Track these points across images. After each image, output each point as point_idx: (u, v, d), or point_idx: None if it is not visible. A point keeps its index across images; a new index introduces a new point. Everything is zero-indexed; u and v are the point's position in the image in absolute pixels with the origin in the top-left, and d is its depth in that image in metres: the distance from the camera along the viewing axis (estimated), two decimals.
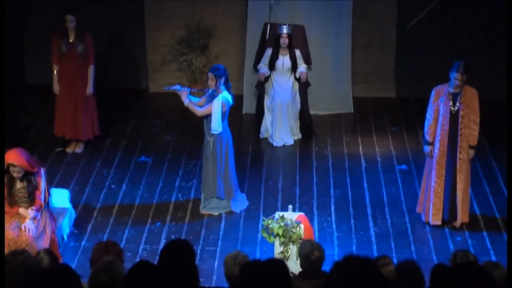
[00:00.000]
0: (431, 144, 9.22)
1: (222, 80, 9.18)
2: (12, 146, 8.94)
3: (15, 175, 8.01)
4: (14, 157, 7.97)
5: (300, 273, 6.18)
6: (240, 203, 9.81)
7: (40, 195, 8.12)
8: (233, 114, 12.33)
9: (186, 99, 9.17)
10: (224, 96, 9.20)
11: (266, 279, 4.37)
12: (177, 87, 9.29)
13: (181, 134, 11.64)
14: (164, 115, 12.40)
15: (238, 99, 12.58)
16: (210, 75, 9.20)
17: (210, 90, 9.34)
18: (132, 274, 4.68)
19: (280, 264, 4.55)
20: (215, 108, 9.18)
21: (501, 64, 12.39)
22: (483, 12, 12.48)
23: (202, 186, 9.73)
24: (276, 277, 4.41)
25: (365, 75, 12.99)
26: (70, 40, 10.75)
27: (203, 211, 9.65)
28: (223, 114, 9.23)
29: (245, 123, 12.23)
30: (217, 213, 9.63)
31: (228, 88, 9.28)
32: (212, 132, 9.29)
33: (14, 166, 7.96)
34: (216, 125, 9.23)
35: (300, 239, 7.95)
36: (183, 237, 8.99)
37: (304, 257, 6.13)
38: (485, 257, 8.45)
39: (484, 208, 9.81)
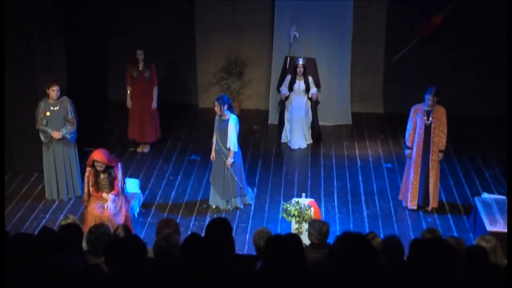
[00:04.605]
0: (410, 148, 9.19)
1: (225, 107, 8.84)
2: (98, 146, 9.04)
3: (98, 168, 8.06)
4: (98, 155, 8.01)
5: (310, 244, 6.20)
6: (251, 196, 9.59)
7: (118, 183, 8.16)
8: (261, 124, 12.43)
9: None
10: (234, 118, 8.92)
11: (285, 248, 4.39)
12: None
13: None
14: (209, 124, 12.28)
15: (264, 113, 12.67)
16: (216, 103, 8.89)
17: (216, 116, 9.04)
18: (186, 243, 4.72)
19: (296, 238, 4.56)
20: (232, 131, 8.88)
21: (466, 88, 12.39)
22: (453, 48, 12.41)
23: (221, 192, 9.21)
24: (293, 247, 4.42)
25: (361, 96, 12.94)
26: (140, 68, 10.80)
27: (230, 207, 9.31)
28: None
29: (270, 131, 12.21)
30: (241, 206, 9.35)
31: (232, 113, 8.97)
32: (231, 149, 8.97)
33: (97, 162, 8.03)
34: (233, 145, 8.94)
35: (310, 219, 7.96)
36: (223, 216, 8.92)
37: (317, 231, 6.11)
38: (449, 233, 8.46)
39: (449, 197, 9.76)
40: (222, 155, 9.09)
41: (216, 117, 9.13)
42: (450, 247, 4.46)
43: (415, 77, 12.45)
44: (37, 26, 9.71)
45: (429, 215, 9.22)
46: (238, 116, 9.23)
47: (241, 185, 9.22)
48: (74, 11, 11.11)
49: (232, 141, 8.95)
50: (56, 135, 9.17)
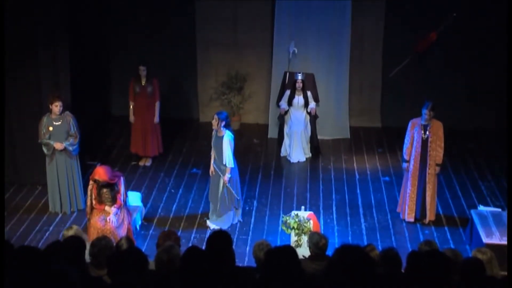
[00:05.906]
0: (408, 161, 9.19)
1: (223, 123, 8.75)
2: (101, 160, 9.03)
3: (99, 183, 8.06)
4: (99, 175, 7.94)
5: (309, 256, 6.17)
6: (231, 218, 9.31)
7: (120, 197, 8.15)
8: (261, 138, 12.44)
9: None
10: (229, 134, 8.81)
11: (283, 260, 4.37)
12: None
13: None
14: (210, 138, 12.36)
15: (264, 127, 12.68)
16: (215, 117, 8.80)
17: (212, 132, 8.97)
18: (186, 255, 4.71)
19: (291, 250, 4.54)
20: (226, 147, 8.77)
21: (462, 102, 12.39)
22: (449, 63, 12.44)
23: (218, 207, 9.03)
24: (290, 259, 4.41)
25: (359, 110, 12.94)
26: (142, 84, 10.81)
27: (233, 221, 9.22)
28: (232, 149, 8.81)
29: (269, 145, 12.18)
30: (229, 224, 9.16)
31: (228, 130, 8.82)
32: (227, 166, 8.84)
33: (98, 181, 8.02)
34: (228, 161, 8.81)
35: (309, 231, 7.94)
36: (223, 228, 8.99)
37: (314, 244, 6.11)
38: (446, 245, 8.41)
39: (445, 209, 9.74)
40: (219, 171, 9.03)
41: (213, 133, 9.08)
42: (447, 259, 4.45)
43: (412, 91, 12.46)
44: (43, 42, 9.76)
45: (426, 227, 9.20)
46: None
47: (238, 198, 9.19)
48: (78, 27, 11.15)
49: (228, 157, 8.86)
50: (59, 146, 9.20)
